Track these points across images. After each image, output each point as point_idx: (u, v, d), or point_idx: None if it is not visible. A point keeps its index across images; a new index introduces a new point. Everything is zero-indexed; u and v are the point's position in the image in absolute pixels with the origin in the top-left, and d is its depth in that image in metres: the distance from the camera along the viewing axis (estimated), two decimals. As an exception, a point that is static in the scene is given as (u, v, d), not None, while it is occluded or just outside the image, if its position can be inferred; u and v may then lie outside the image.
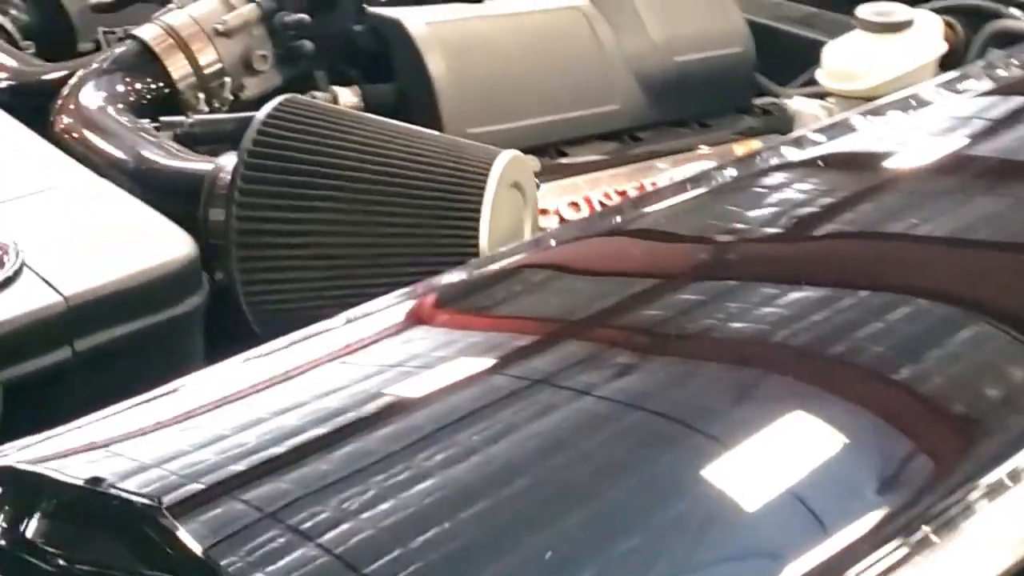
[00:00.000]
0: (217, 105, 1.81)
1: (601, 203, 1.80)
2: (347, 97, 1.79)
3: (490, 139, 1.73)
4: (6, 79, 1.86)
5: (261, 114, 1.40)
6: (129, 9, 2.15)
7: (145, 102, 1.74)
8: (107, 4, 2.05)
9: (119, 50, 1.80)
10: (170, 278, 1.18)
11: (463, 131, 1.72)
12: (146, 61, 1.78)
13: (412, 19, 1.77)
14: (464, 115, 1.74)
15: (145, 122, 1.67)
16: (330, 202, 1.34)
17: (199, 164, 1.50)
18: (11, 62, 1.88)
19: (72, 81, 1.72)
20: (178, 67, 1.78)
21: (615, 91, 1.91)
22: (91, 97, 1.67)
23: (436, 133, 1.48)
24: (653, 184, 1.82)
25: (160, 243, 1.21)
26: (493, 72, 1.80)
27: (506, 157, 1.40)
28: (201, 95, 1.79)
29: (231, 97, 1.82)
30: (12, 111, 1.76)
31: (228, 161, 1.42)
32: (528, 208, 1.46)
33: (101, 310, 1.12)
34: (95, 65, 1.75)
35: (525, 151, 1.77)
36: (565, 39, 1.90)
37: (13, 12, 2.08)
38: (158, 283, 1.17)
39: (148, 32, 1.80)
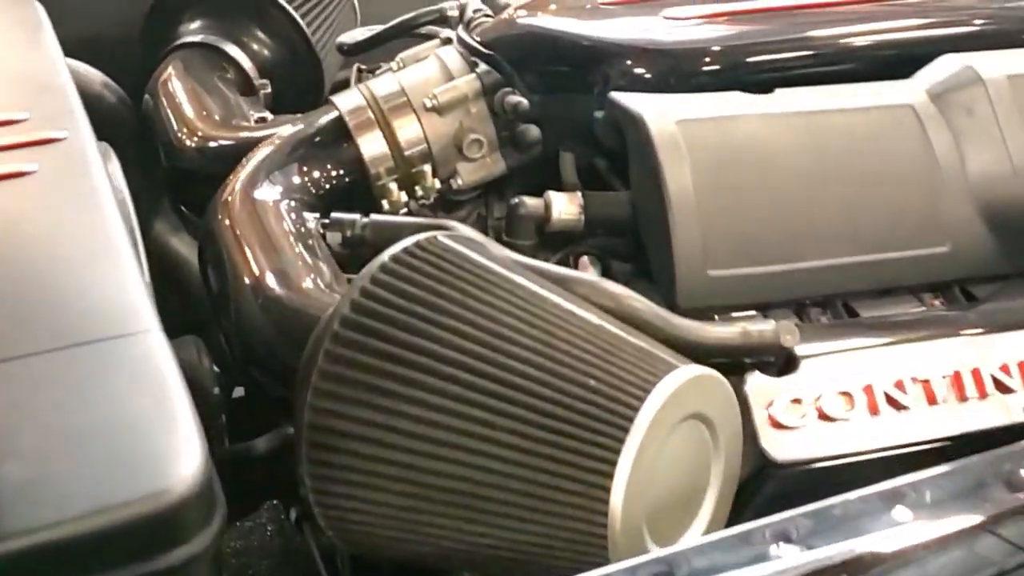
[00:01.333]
0: (420, 195, 1.48)
1: (891, 399, 1.28)
2: (562, 206, 1.39)
3: (742, 286, 1.29)
4: (199, 140, 1.61)
5: (375, 265, 1.04)
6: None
7: (328, 188, 1.44)
8: (353, 46, 1.76)
9: (309, 120, 1.51)
10: (152, 521, 0.85)
11: (702, 273, 1.28)
12: (337, 137, 1.47)
13: (657, 115, 1.33)
14: (708, 250, 1.29)
15: (312, 218, 1.37)
16: (421, 408, 0.96)
17: (322, 300, 1.17)
18: (210, 117, 1.63)
19: (250, 156, 1.44)
20: (372, 147, 1.46)
21: (947, 226, 1.36)
22: (256, 182, 1.38)
23: (601, 323, 1.05)
24: (1004, 369, 1.28)
25: (150, 465, 0.88)
26: (760, 192, 1.33)
27: (677, 379, 0.96)
28: (396, 183, 1.47)
29: (436, 187, 1.48)
30: (202, 178, 1.54)
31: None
32: (720, 455, 1.00)
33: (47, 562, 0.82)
34: (279, 137, 1.47)
35: (798, 307, 1.32)
36: (878, 149, 1.38)
37: (254, 46, 1.84)
38: (133, 528, 0.85)
39: (347, 101, 1.49)
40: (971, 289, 1.40)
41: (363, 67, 1.93)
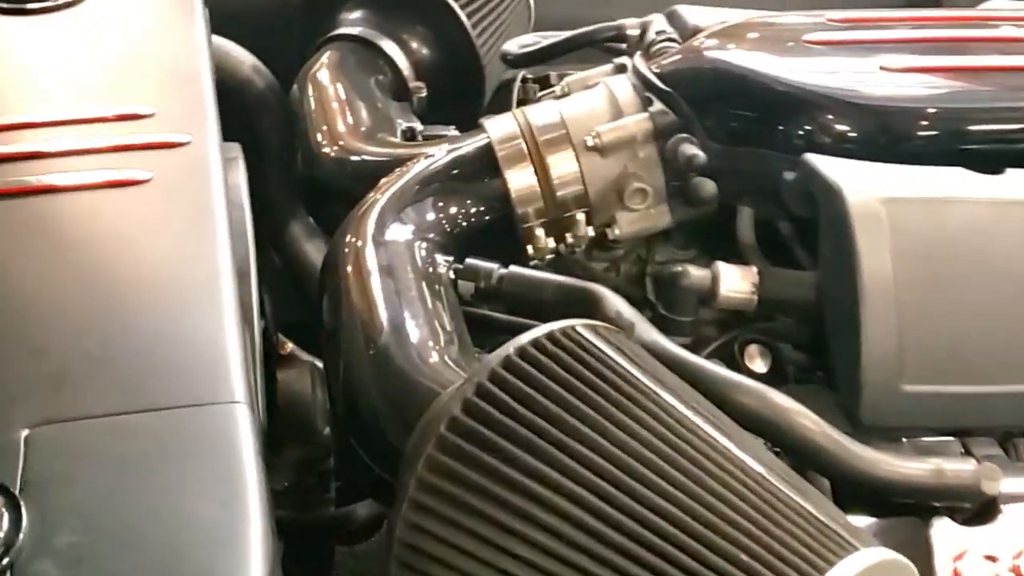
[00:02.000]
0: (570, 242, 1.30)
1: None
2: (733, 282, 1.18)
3: (941, 407, 1.09)
4: (339, 151, 1.44)
5: (497, 358, 0.87)
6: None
7: (466, 226, 1.27)
8: (518, 57, 1.58)
9: (455, 144, 1.34)
10: None
11: (894, 386, 1.06)
12: (483, 167, 1.29)
13: (860, 189, 1.12)
14: (905, 360, 1.07)
15: (445, 262, 1.20)
16: (532, 550, 0.78)
17: (441, 377, 0.99)
18: (355, 126, 1.47)
19: (388, 180, 1.28)
20: (521, 182, 1.28)
21: None
22: (390, 213, 1.21)
23: (763, 473, 0.83)
24: None
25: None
26: (974, 295, 1.10)
27: (855, 567, 0.75)
28: (544, 227, 1.28)
29: (590, 235, 1.29)
30: (335, 193, 1.39)
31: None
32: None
33: None
34: (420, 162, 1.30)
35: (1004, 437, 1.10)
36: None
37: (413, 44, 1.68)
38: None
39: (498, 127, 1.31)
40: None
41: (529, 76, 1.76)
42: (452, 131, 1.58)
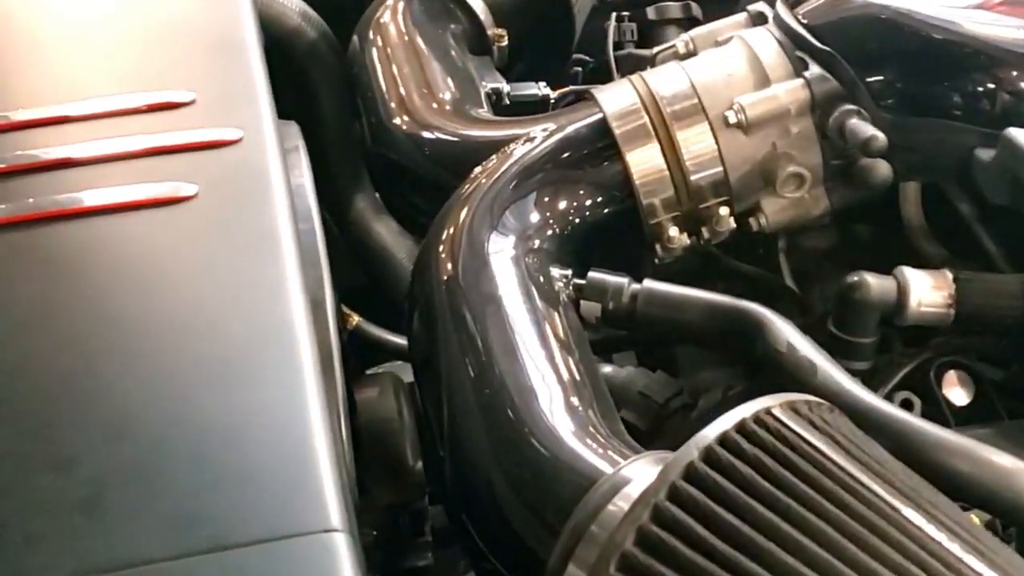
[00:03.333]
0: (707, 237, 1.06)
1: None
2: (924, 293, 0.94)
3: None
4: (415, 126, 1.18)
5: (679, 466, 0.64)
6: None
7: (579, 225, 1.03)
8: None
9: (560, 123, 1.09)
10: None
11: None
12: (597, 150, 1.05)
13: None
14: None
15: (561, 277, 0.97)
16: None
17: (582, 458, 0.77)
18: (432, 93, 1.22)
19: (482, 174, 1.04)
20: (646, 167, 1.04)
21: None
22: (488, 218, 0.98)
23: None
24: None
25: None
26: None
27: None
28: (675, 221, 1.05)
29: (731, 227, 1.06)
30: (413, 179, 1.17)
31: (642, 480, 0.69)
32: None
33: None
34: (519, 147, 1.06)
35: None
36: None
37: (495, -13, 1.43)
38: None
39: (614, 99, 1.07)
40: None
41: (625, 14, 1.51)
42: (544, 89, 1.35)
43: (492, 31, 1.40)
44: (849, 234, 1.24)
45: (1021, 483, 0.77)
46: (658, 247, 1.05)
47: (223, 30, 1.09)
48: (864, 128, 0.97)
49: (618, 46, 1.49)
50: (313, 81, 1.44)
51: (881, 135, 0.97)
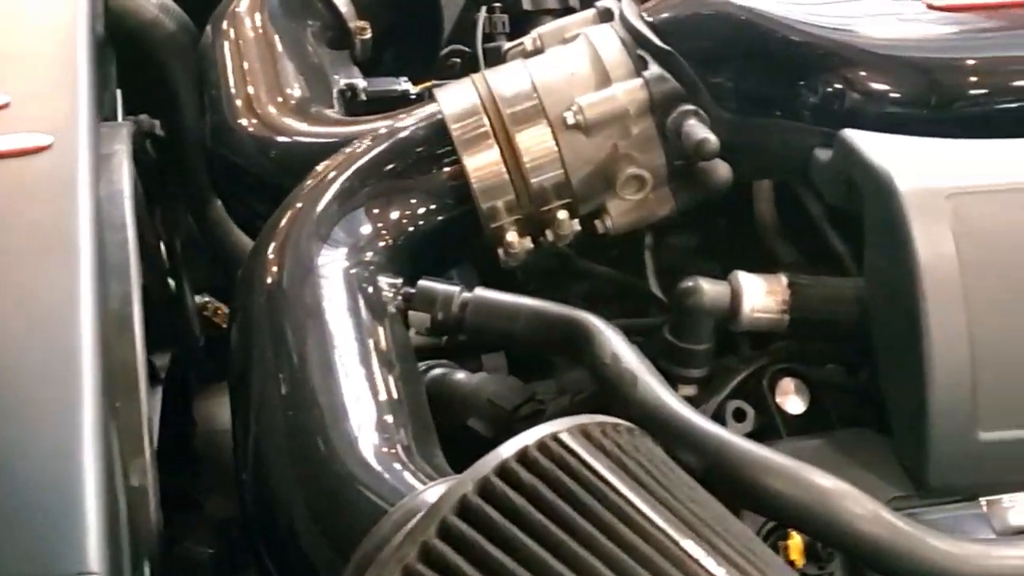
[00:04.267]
0: (550, 240, 1.04)
1: None
2: (758, 298, 0.93)
3: None
4: (258, 127, 1.14)
5: (452, 499, 0.62)
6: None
7: (416, 233, 1.00)
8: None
9: (400, 124, 1.06)
10: None
11: (969, 434, 0.83)
12: (434, 154, 1.02)
13: (918, 180, 0.85)
14: (982, 401, 0.83)
15: (390, 287, 0.94)
16: None
17: (383, 482, 0.74)
18: (279, 90, 1.18)
19: (313, 179, 1.01)
20: (485, 171, 1.01)
21: None
22: (316, 227, 0.94)
23: None
24: None
25: None
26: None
27: None
28: (517, 225, 1.03)
29: (575, 230, 1.04)
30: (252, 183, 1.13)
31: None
32: None
33: None
34: (355, 150, 1.02)
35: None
36: None
37: (358, -25, 1.39)
38: None
39: (453, 100, 1.04)
40: None
41: (496, 4, 1.48)
42: (404, 84, 1.31)
43: (354, 24, 1.37)
44: (717, 230, 1.23)
45: (840, 504, 0.75)
46: (500, 252, 1.02)
47: (50, 28, 1.05)
48: (697, 130, 0.95)
49: (490, 38, 1.46)
50: (172, 75, 1.39)
51: (713, 138, 0.95)
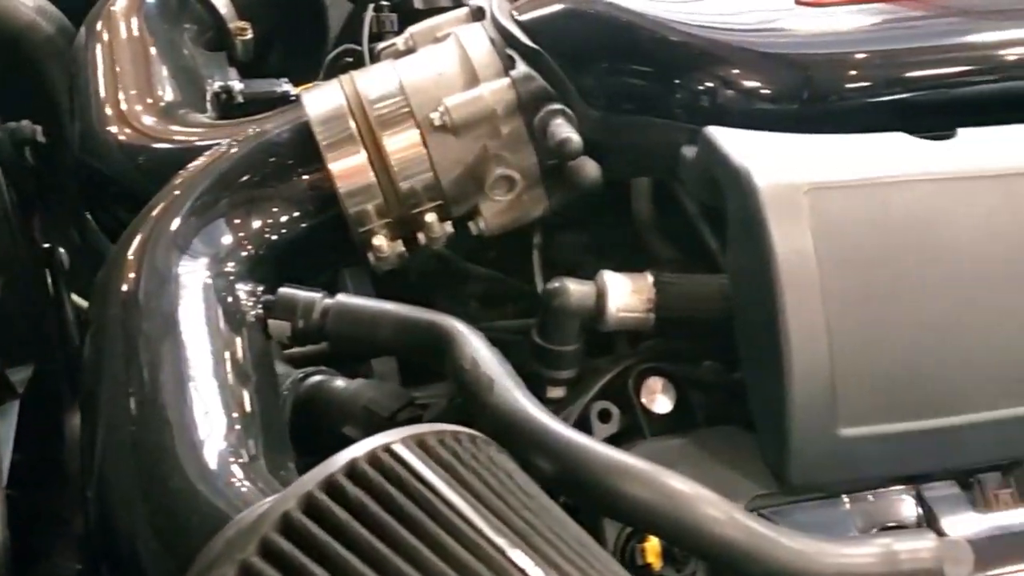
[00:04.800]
0: (423, 243, 1.03)
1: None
2: (623, 298, 0.92)
3: (890, 451, 0.87)
4: (121, 132, 1.10)
5: (286, 504, 0.60)
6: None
7: (279, 241, 0.98)
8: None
9: (265, 129, 1.04)
10: None
11: (829, 431, 0.83)
12: (300, 158, 1.01)
13: (775, 176, 0.85)
14: (842, 397, 0.83)
15: (248, 295, 0.92)
16: None
17: (221, 493, 0.73)
18: (148, 92, 1.15)
19: (170, 187, 0.99)
20: (352, 176, 0.99)
21: None
22: (172, 237, 0.92)
23: None
24: None
25: None
26: (929, 307, 0.86)
27: None
28: (387, 229, 1.01)
29: (447, 232, 1.02)
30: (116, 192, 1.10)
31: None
32: None
33: None
34: (216, 157, 1.00)
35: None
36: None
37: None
38: None
39: (319, 102, 1.02)
40: None
41: (385, 3, 1.46)
42: (284, 85, 1.29)
43: (234, 24, 1.34)
44: (609, 229, 1.22)
45: (700, 510, 0.74)
46: (370, 257, 1.01)
47: None
48: (560, 130, 0.94)
49: (379, 37, 1.44)
50: (51, 80, 1.36)
51: (576, 137, 0.94)
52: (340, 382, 1.09)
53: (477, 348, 0.85)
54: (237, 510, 0.69)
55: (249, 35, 1.35)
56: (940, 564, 0.78)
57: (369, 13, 1.42)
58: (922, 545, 0.78)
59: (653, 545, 0.82)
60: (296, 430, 1.04)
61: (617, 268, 0.98)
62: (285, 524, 0.59)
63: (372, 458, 0.63)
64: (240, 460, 0.75)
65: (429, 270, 1.19)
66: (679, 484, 0.75)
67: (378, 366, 1.18)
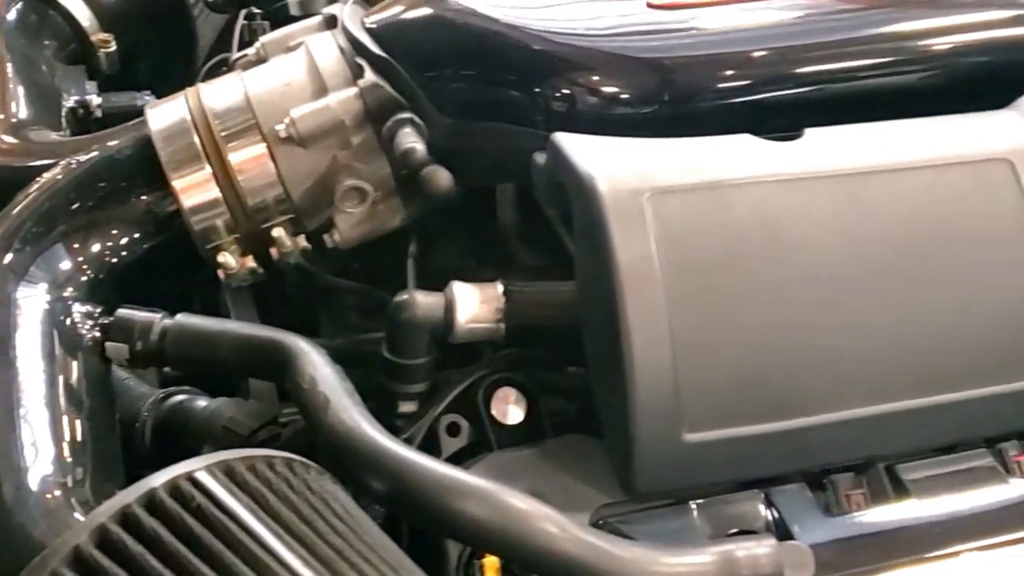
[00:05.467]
0: (276, 258, 1.01)
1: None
2: (472, 309, 0.91)
3: (736, 455, 0.87)
4: None
5: (82, 531, 0.58)
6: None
7: (121, 262, 0.96)
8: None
9: (106, 145, 1.01)
10: None
11: (674, 437, 0.82)
12: (142, 176, 0.98)
13: (618, 180, 0.84)
14: (686, 403, 0.82)
15: (84, 316, 0.90)
16: None
17: (34, 522, 0.71)
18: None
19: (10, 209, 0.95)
20: (196, 192, 0.97)
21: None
22: (1, 270, 0.89)
23: None
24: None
25: None
26: (773, 310, 0.85)
27: None
28: (238, 245, 0.99)
29: (301, 246, 1.01)
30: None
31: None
32: None
33: None
34: (56, 176, 0.98)
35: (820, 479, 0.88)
36: (955, 232, 0.91)
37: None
38: None
39: (162, 117, 1.00)
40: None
41: (257, 12, 1.43)
42: (143, 97, 1.27)
43: (96, 36, 1.31)
44: (488, 234, 1.21)
45: (532, 525, 0.73)
46: (220, 273, 0.99)
47: None
48: (404, 139, 0.93)
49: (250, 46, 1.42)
50: None
51: (420, 147, 0.93)
52: (202, 401, 1.07)
53: (316, 366, 0.83)
54: (54, 537, 0.67)
55: (112, 47, 1.32)
56: (780, 569, 0.77)
57: (240, 21, 1.40)
58: (761, 550, 0.78)
59: (492, 561, 0.81)
60: (157, 451, 1.02)
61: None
62: (75, 558, 0.57)
63: (172, 487, 0.61)
64: (63, 486, 0.73)
65: (296, 284, 1.17)
66: (512, 500, 0.74)
67: (255, 383, 1.16)
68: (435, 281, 0.96)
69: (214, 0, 1.29)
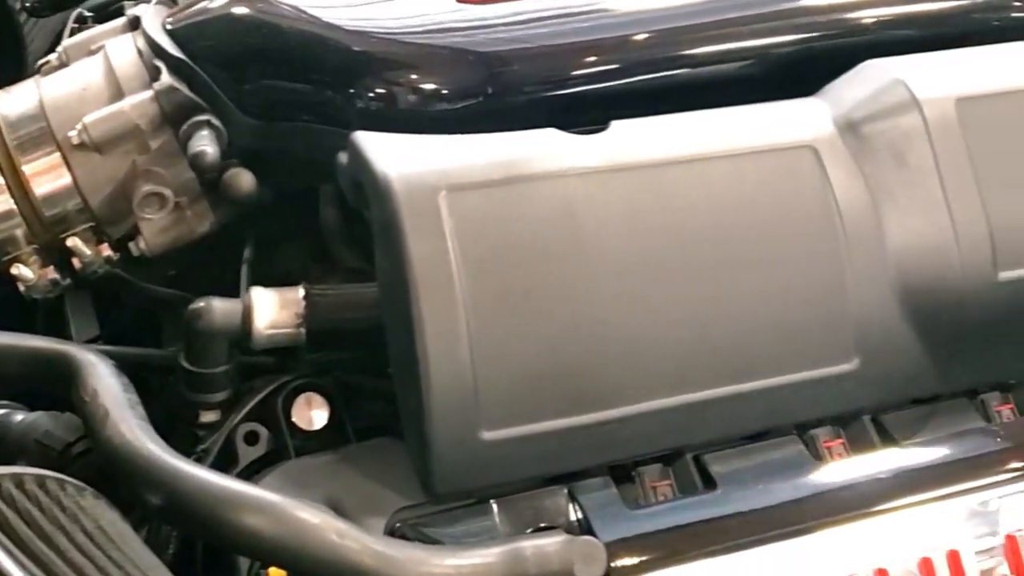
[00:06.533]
0: (78, 267, 0.98)
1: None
2: (270, 314, 0.89)
3: (537, 452, 0.86)
4: None
5: None
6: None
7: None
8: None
9: None
10: None
11: (471, 436, 0.81)
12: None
13: (414, 177, 0.83)
14: (485, 400, 0.81)
15: None
16: None
17: None
18: None
19: None
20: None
21: (856, 334, 0.90)
22: None
23: None
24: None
25: None
26: (573, 304, 0.85)
27: None
28: (36, 256, 0.96)
29: (105, 256, 0.98)
30: None
31: None
32: None
33: None
34: None
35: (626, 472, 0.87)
36: (756, 219, 0.91)
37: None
38: None
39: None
40: (885, 421, 0.95)
41: (88, 14, 1.39)
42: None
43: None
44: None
45: (328, 539, 0.72)
46: (20, 286, 0.96)
47: None
48: (195, 143, 0.91)
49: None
50: None
51: (210, 151, 0.91)
52: (19, 415, 1.04)
53: (101, 379, 0.81)
54: None
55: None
56: (570, 564, 0.77)
57: (69, 24, 1.36)
58: (550, 546, 0.77)
59: (278, 572, 0.79)
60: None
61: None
62: None
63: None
64: None
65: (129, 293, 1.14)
66: (287, 508, 0.72)
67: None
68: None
69: (32, 4, 1.25)
